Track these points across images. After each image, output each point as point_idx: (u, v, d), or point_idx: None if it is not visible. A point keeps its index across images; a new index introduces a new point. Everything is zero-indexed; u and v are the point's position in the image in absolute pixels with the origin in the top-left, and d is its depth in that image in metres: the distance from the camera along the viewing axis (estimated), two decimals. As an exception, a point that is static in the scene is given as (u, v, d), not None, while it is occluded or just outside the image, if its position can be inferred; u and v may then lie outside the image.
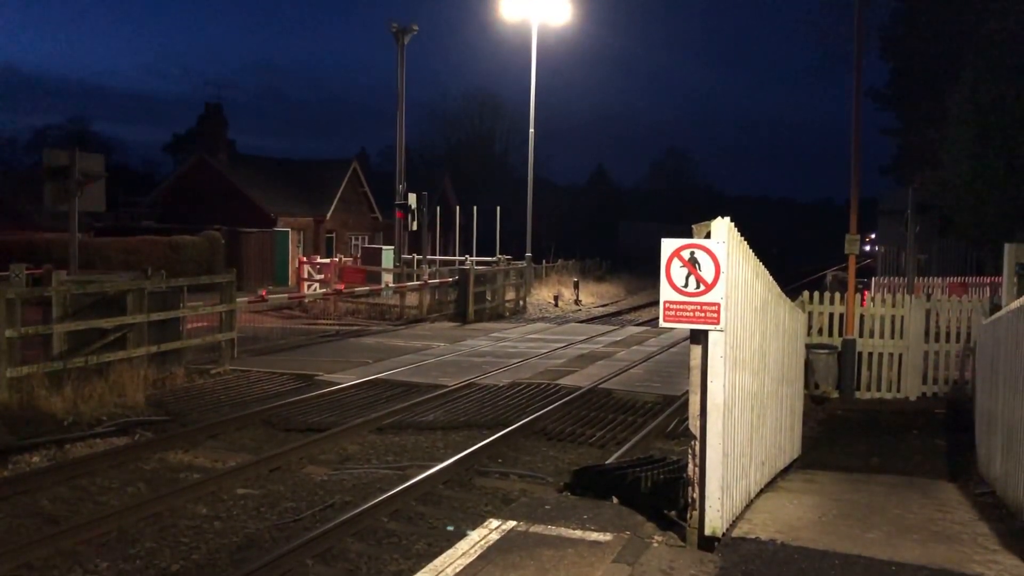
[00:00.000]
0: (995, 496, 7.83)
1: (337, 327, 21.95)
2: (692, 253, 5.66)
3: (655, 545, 5.78)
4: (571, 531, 5.97)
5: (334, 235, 43.62)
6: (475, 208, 37.77)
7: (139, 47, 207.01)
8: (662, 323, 5.78)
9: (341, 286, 25.26)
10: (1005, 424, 7.55)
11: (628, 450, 9.84)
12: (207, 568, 6.35)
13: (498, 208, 39.83)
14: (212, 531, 7.08)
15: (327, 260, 31.05)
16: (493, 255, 36.23)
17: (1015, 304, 7.54)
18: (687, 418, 5.90)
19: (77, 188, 14.56)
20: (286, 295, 25.04)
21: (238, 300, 15.79)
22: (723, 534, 5.79)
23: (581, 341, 20.19)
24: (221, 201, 38.30)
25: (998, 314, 9.06)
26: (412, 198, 30.27)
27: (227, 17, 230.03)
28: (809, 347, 13.07)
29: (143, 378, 12.35)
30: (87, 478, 8.44)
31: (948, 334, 14.33)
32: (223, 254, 31.58)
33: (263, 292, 20.05)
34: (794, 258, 73.32)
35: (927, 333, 14.29)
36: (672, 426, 11.21)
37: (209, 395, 12.67)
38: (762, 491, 7.34)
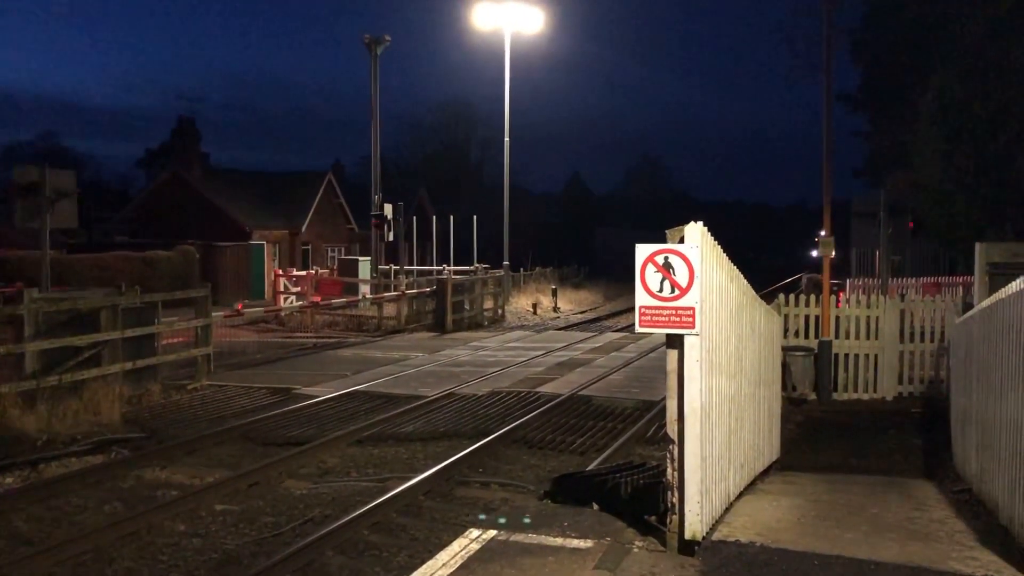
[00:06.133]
0: (971, 493, 7.91)
1: (314, 340, 21.84)
2: (666, 258, 5.68)
3: (636, 550, 5.78)
4: (552, 539, 5.97)
5: (310, 247, 43.44)
6: (452, 217, 37.75)
7: (108, 62, 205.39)
8: (638, 328, 5.79)
9: (318, 298, 25.16)
10: (980, 421, 7.64)
11: (608, 456, 9.84)
12: (186, 586, 6.28)
13: (475, 217, 39.84)
14: (191, 548, 7.01)
15: (303, 272, 30.91)
16: (471, 264, 36.23)
17: (986, 302, 7.64)
18: (666, 423, 5.92)
19: (48, 205, 14.42)
20: (262, 308, 24.90)
21: (214, 314, 15.68)
22: (703, 538, 5.81)
23: (560, 348, 20.21)
24: (195, 216, 38.08)
25: (970, 313, 9.17)
26: (388, 208, 30.21)
27: (196, 31, 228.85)
28: (786, 349, 13.17)
29: (118, 395, 12.21)
30: (62, 498, 8.33)
31: (923, 334, 14.49)
32: (198, 269, 31.37)
33: (239, 306, 19.94)
34: (769, 261, 73.79)
35: (902, 333, 14.45)
36: (652, 431, 11.24)
37: (186, 411, 12.56)
38: (742, 494, 7.37)
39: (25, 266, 24.47)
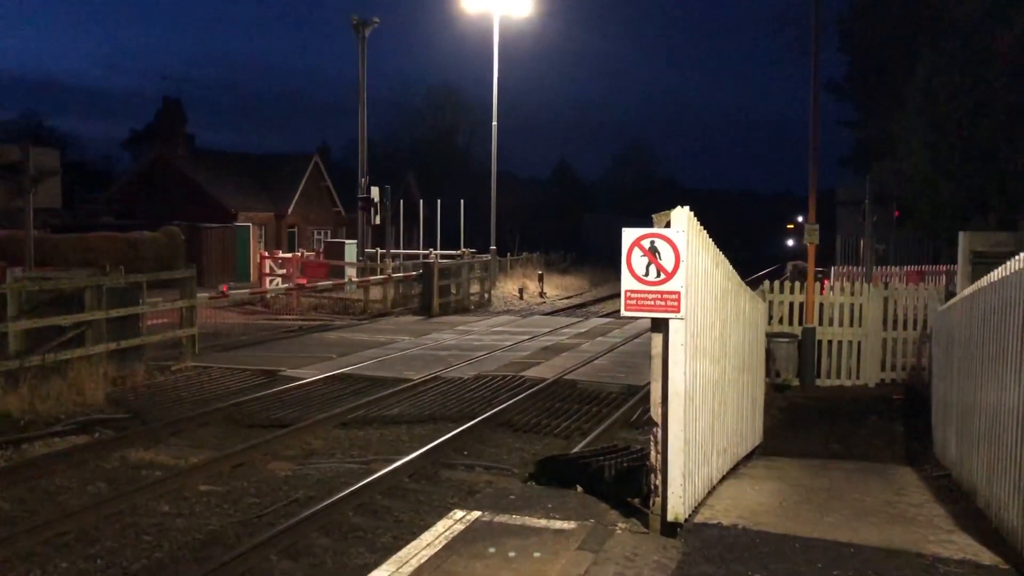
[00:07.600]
0: (951, 479, 8.00)
1: (300, 322, 21.79)
2: (652, 242, 5.70)
3: (619, 532, 5.82)
4: (536, 520, 6.00)
5: (296, 230, 43.27)
6: (439, 201, 37.66)
7: (92, 41, 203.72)
8: (623, 312, 5.81)
9: (303, 281, 25.09)
10: (959, 408, 7.72)
11: (592, 440, 9.90)
12: (170, 566, 6.28)
13: (462, 201, 39.75)
14: (175, 529, 7.01)
15: (289, 255, 30.80)
16: (458, 248, 36.18)
17: (967, 291, 7.71)
18: (650, 406, 5.95)
19: (31, 184, 14.29)
20: (248, 290, 24.82)
21: (199, 296, 15.63)
22: (685, 520, 5.85)
23: (546, 333, 20.25)
24: (181, 197, 37.82)
25: (952, 301, 9.24)
26: (375, 192, 30.10)
27: (182, 10, 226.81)
28: (770, 336, 13.24)
29: (103, 376, 12.18)
30: (46, 478, 8.31)
31: (906, 322, 14.59)
32: (183, 250, 31.18)
33: (224, 288, 19.84)
34: (755, 248, 74.06)
35: (885, 321, 14.55)
36: (636, 415, 11.29)
37: (171, 392, 12.54)
38: (724, 478, 7.43)
39: (7, 246, 24.23)
